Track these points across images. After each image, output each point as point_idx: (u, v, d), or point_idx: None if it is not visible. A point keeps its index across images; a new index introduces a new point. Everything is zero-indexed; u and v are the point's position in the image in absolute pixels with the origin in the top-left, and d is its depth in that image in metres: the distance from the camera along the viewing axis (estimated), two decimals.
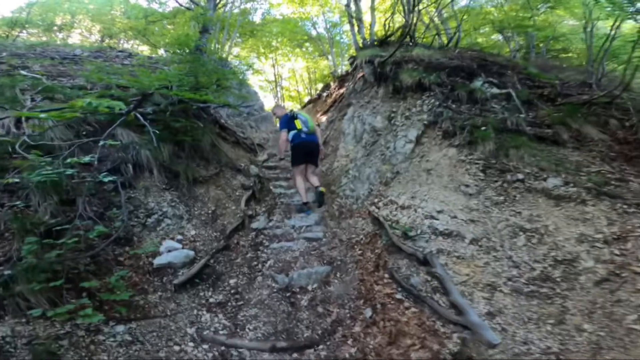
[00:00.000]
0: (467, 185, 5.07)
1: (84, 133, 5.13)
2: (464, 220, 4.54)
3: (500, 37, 14.55)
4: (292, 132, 6.06)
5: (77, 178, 4.30)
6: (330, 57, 20.36)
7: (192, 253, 4.67)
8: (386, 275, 4.04)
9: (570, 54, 14.30)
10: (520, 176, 4.99)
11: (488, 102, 6.96)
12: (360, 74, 11.03)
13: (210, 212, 5.69)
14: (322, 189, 5.89)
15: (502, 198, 4.84)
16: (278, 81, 25.71)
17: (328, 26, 20.30)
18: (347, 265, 4.57)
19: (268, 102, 28.50)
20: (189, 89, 6.60)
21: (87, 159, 4.12)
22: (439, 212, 4.72)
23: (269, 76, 25.73)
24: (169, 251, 4.64)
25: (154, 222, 4.90)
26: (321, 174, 7.51)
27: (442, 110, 6.47)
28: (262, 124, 14.45)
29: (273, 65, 25.11)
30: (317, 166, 6.33)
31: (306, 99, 21.52)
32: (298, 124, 6.02)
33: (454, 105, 6.66)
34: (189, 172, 5.83)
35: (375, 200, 5.85)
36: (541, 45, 13.38)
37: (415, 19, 13.29)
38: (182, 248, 4.76)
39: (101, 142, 4.28)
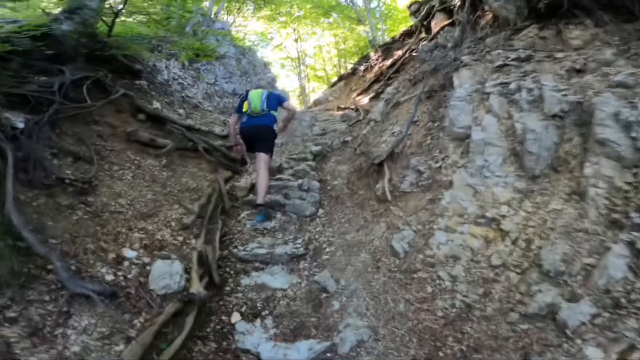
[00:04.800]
0: None
1: None
2: None
3: None
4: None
5: None
6: (366, 23, 13.97)
7: None
8: None
9: None
10: None
11: None
12: (446, 22, 5.41)
13: None
14: (255, 224, 3.34)
15: None
16: (302, 59, 19.44)
17: None
18: None
19: (291, 82, 22.52)
20: None
21: None
22: None
23: (292, 53, 19.51)
24: None
25: None
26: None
27: None
28: None
29: (296, 41, 18.86)
30: (268, 153, 3.72)
31: (334, 78, 15.33)
32: (245, 105, 3.72)
33: None
34: None
35: None
36: None
37: None
38: None
39: None
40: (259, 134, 3.68)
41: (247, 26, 15.80)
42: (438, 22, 6.10)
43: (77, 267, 1.89)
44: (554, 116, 2.09)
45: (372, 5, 16.39)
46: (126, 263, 2.01)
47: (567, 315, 1.70)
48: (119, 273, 1.94)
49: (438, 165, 2.66)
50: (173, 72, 5.78)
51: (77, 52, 3.25)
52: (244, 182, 4.18)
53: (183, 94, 5.59)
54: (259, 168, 3.60)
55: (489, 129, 2.32)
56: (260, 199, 3.40)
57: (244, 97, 3.74)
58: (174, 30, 4.76)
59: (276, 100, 3.74)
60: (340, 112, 7.40)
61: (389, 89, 4.89)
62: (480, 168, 2.24)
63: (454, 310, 2.06)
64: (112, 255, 2.00)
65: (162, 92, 4.98)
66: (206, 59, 5.81)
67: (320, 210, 3.68)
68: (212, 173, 3.95)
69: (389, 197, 3.00)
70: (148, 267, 2.05)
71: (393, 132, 3.63)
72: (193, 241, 2.52)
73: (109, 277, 1.89)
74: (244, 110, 3.67)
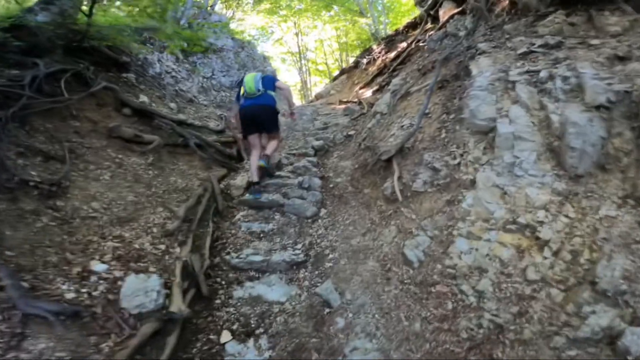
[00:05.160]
0: None
1: None
2: None
3: None
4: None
5: None
6: (368, 16, 13.54)
7: None
8: None
9: None
10: None
11: None
12: (455, 11, 5.14)
13: None
14: (261, 163, 3.41)
15: None
16: (303, 53, 19.02)
17: None
18: None
19: (292, 77, 22.19)
20: None
21: None
22: None
23: (292, 47, 19.08)
24: None
25: None
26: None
27: None
28: None
29: (296, 35, 18.45)
30: (275, 131, 3.60)
31: (336, 72, 14.95)
32: (242, 90, 3.55)
33: None
34: None
35: None
36: None
37: None
38: None
39: None
40: (259, 113, 3.48)
41: (245, 20, 15.38)
42: (446, 11, 5.79)
43: (33, 284, 1.58)
44: (598, 107, 1.76)
45: None
46: (93, 278, 1.70)
47: (630, 340, 1.37)
48: (83, 290, 1.63)
49: (456, 161, 2.33)
50: (166, 65, 5.44)
51: (54, 43, 2.94)
52: (240, 180, 3.85)
53: (176, 88, 5.26)
54: (272, 142, 3.59)
55: (517, 121, 1.98)
56: (269, 151, 3.50)
57: (240, 82, 3.57)
58: (160, 18, 4.40)
59: (272, 81, 3.58)
60: (343, 106, 7.08)
61: (396, 80, 4.54)
62: (510, 166, 1.91)
63: (481, 331, 1.74)
64: (77, 269, 1.69)
65: (153, 85, 4.65)
66: (197, 49, 5.43)
67: (323, 211, 3.36)
68: (205, 171, 3.63)
69: (399, 197, 2.67)
70: (119, 283, 1.74)
71: (402, 126, 3.30)
72: (177, 249, 2.20)
73: (70, 295, 1.58)
74: (241, 94, 3.48)
